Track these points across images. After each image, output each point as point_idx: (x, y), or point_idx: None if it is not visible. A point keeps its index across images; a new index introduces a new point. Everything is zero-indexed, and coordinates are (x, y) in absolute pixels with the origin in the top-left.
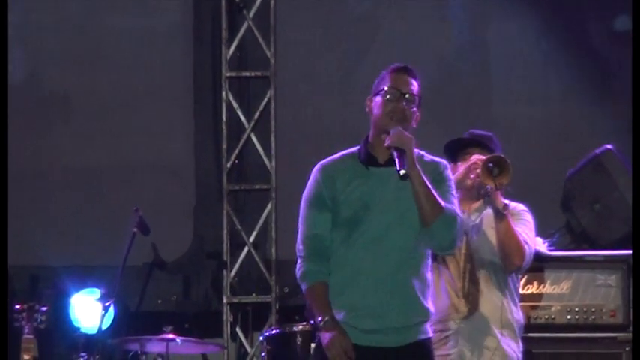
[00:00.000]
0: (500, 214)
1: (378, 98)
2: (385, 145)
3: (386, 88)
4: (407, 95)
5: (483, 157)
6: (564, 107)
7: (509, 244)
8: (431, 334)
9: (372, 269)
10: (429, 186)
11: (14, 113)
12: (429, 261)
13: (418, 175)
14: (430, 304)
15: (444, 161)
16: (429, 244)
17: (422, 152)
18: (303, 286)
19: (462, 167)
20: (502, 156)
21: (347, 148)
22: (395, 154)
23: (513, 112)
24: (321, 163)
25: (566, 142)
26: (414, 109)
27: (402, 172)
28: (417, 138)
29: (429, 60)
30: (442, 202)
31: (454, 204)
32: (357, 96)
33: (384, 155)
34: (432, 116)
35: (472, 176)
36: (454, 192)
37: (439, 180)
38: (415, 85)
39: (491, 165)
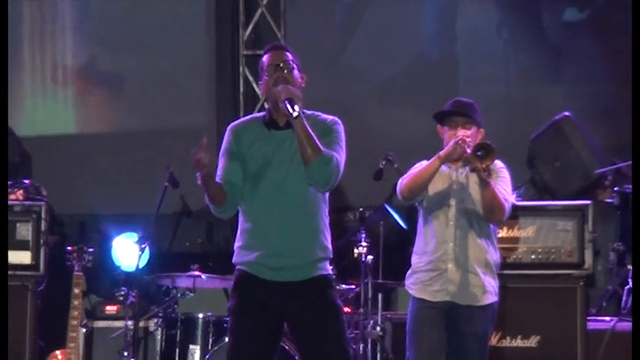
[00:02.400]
0: (485, 182)
1: (264, 78)
2: (281, 98)
3: (265, 68)
4: (281, 65)
5: (467, 132)
6: (522, 87)
7: (492, 205)
8: (330, 272)
9: (274, 215)
10: (310, 131)
11: (75, 90)
12: (327, 205)
13: (301, 121)
14: (329, 243)
15: (335, 118)
16: (310, 181)
17: (317, 112)
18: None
19: (447, 133)
20: (488, 142)
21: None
22: (286, 102)
23: (478, 92)
24: (232, 123)
25: (525, 115)
26: (295, 73)
27: (295, 112)
28: (396, 113)
29: (404, 47)
30: (321, 147)
31: (337, 151)
32: (346, 71)
33: (283, 120)
34: (407, 95)
35: (459, 151)
36: (341, 142)
37: (328, 131)
38: (287, 55)
39: (480, 153)
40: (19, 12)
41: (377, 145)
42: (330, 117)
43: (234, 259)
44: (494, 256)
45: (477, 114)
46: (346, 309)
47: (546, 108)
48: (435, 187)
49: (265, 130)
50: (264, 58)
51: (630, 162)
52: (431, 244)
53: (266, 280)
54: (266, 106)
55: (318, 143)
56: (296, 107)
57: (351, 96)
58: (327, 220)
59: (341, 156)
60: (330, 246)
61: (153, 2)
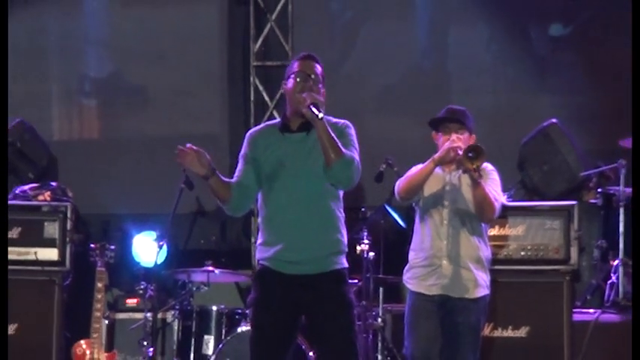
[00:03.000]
0: (476, 182)
1: (291, 80)
2: (305, 103)
3: (296, 72)
4: (312, 76)
5: (461, 136)
6: (510, 97)
7: (483, 204)
8: (346, 265)
9: (289, 212)
10: (332, 134)
11: (99, 99)
12: (341, 202)
13: (324, 125)
14: (344, 237)
15: (347, 122)
16: (332, 181)
17: (329, 117)
18: None
19: (442, 139)
20: (479, 144)
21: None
22: (312, 106)
23: (469, 101)
24: (250, 130)
25: (514, 123)
26: (320, 86)
27: (320, 115)
28: (390, 122)
29: (400, 59)
30: (342, 149)
31: (353, 152)
32: (346, 80)
33: (296, 124)
34: (403, 103)
35: (452, 154)
36: (355, 144)
37: (341, 135)
38: (319, 68)
39: (471, 154)
40: (46, 26)
41: (376, 149)
42: (341, 121)
43: (256, 256)
44: (485, 252)
45: (468, 120)
46: None
47: (533, 116)
48: (430, 188)
49: (279, 134)
50: (296, 64)
51: (612, 165)
52: (426, 242)
53: (284, 273)
54: (274, 114)
55: (340, 145)
56: (321, 110)
57: (351, 104)
58: (341, 216)
59: (357, 157)
60: (344, 240)
61: (171, 18)
